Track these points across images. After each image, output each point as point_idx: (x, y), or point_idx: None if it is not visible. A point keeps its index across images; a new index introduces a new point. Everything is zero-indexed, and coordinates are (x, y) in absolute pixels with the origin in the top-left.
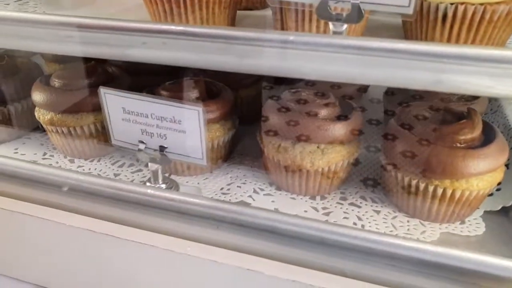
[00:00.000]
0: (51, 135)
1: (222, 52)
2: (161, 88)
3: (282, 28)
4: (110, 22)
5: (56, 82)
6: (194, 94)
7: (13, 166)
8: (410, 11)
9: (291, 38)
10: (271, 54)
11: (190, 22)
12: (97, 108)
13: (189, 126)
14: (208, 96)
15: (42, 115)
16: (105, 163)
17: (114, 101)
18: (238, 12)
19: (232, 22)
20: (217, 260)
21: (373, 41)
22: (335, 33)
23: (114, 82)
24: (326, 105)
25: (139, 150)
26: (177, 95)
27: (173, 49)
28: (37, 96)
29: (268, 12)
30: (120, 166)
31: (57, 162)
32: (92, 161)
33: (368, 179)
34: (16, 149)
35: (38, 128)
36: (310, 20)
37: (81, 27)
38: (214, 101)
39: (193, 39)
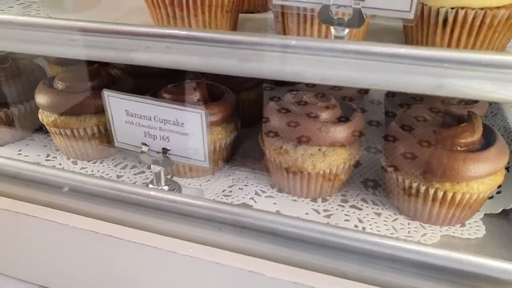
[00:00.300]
0: (54, 136)
1: (225, 56)
2: (163, 91)
3: (284, 32)
4: (115, 27)
5: (59, 85)
6: (197, 96)
7: (17, 167)
8: (411, 16)
9: (293, 42)
10: (274, 58)
11: (193, 26)
12: (100, 110)
13: (192, 129)
14: (210, 98)
15: (45, 117)
16: (108, 165)
17: (117, 103)
18: (240, 15)
19: (234, 26)
20: (219, 262)
21: (374, 46)
22: (336, 37)
23: (117, 85)
24: (328, 107)
25: (142, 152)
26: (179, 98)
27: (176, 53)
28: (41, 98)
29: (269, 15)
30: (123, 168)
31: (60, 164)
32: (94, 163)
33: (369, 181)
34: (20, 150)
35: (41, 129)
36: (312, 24)
37: (86, 31)
38: (216, 104)
39: (196, 43)
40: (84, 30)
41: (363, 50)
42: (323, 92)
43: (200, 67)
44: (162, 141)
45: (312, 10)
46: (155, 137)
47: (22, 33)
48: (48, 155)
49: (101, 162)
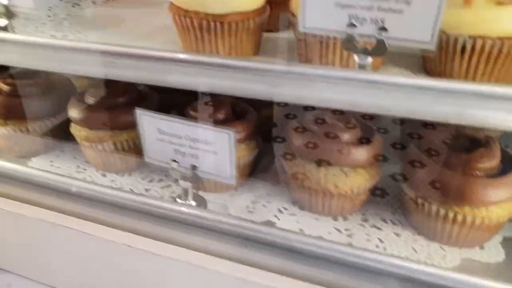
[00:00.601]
0: (85, 149)
1: (255, 82)
2: (190, 108)
3: (307, 55)
4: (154, 53)
5: (90, 100)
6: (221, 114)
7: (50, 179)
8: (432, 47)
9: (320, 72)
10: (301, 84)
11: (220, 48)
12: (130, 126)
13: (220, 148)
14: (234, 115)
15: (77, 131)
16: (136, 177)
17: (149, 122)
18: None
19: (258, 46)
20: (245, 278)
21: (398, 77)
22: (360, 65)
23: (144, 100)
24: (349, 128)
25: (172, 168)
26: (205, 115)
27: (210, 78)
28: (73, 113)
29: (288, 35)
30: (150, 181)
31: (90, 176)
32: (123, 175)
33: (387, 200)
34: (51, 161)
35: (70, 140)
36: (334, 49)
37: (126, 55)
38: (240, 122)
39: (229, 70)
40: (125, 55)
41: (387, 81)
42: (341, 110)
43: (233, 92)
44: (191, 158)
45: (336, 38)
46: (184, 154)
47: (65, 56)
48: (78, 167)
49: (129, 175)
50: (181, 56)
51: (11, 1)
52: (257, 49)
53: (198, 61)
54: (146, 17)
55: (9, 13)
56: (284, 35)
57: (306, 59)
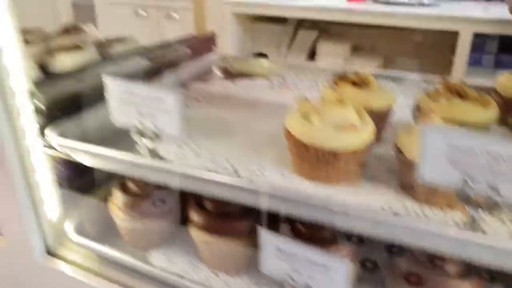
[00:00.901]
0: (200, 249)
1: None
2: (300, 224)
3: (411, 186)
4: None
5: (209, 206)
6: (327, 232)
7: (169, 278)
8: None
9: (432, 229)
10: (408, 230)
11: (331, 175)
12: (247, 234)
13: (334, 273)
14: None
15: (197, 234)
16: (247, 281)
17: (269, 240)
18: None
19: (361, 170)
20: None
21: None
22: (472, 218)
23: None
24: (453, 262)
25: (288, 284)
26: (314, 234)
27: (320, 213)
28: (194, 217)
29: (383, 150)
30: (260, 286)
31: (205, 275)
32: (234, 276)
33: None
34: (167, 256)
35: (183, 232)
36: (442, 194)
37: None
38: (346, 245)
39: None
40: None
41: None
42: None
43: (339, 224)
44: (307, 278)
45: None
46: (300, 273)
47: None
48: (192, 263)
49: (239, 276)
50: (296, 197)
51: (157, 128)
52: (362, 169)
53: (311, 203)
54: (251, 123)
55: (156, 138)
56: (382, 152)
57: (410, 189)
